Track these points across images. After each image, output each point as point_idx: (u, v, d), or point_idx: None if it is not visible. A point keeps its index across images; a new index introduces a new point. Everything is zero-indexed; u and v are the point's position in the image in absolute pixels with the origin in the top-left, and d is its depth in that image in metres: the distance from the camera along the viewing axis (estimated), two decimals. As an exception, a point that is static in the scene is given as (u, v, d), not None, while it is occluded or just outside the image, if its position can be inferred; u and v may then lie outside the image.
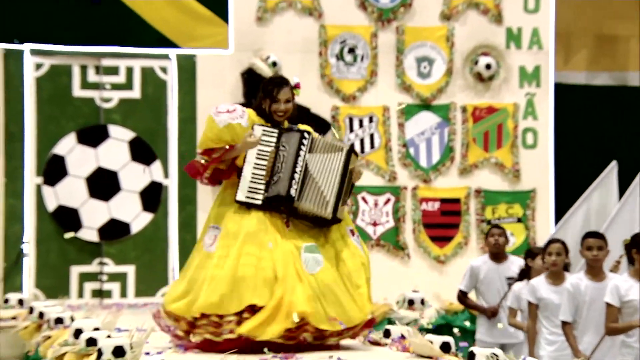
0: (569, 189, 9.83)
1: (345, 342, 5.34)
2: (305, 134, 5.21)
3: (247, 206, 5.14)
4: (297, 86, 5.38)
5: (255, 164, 5.18)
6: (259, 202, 5.14)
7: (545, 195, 10.30)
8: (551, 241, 6.73)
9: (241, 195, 5.14)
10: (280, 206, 5.14)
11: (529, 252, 7.38)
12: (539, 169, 10.30)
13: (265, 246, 5.06)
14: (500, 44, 10.29)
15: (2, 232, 9.36)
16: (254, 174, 5.15)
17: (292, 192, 5.10)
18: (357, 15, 10.10)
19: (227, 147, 5.17)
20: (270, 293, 4.99)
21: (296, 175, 5.12)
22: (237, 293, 5.00)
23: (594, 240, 6.29)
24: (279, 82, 5.32)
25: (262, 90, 5.32)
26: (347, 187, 5.19)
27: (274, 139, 5.20)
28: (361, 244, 5.35)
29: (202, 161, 5.24)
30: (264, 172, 5.17)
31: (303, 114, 9.90)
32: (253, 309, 5.00)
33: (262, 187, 5.15)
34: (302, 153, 5.16)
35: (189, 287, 5.15)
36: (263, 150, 5.18)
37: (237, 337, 4.98)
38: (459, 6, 10.21)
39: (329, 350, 5.07)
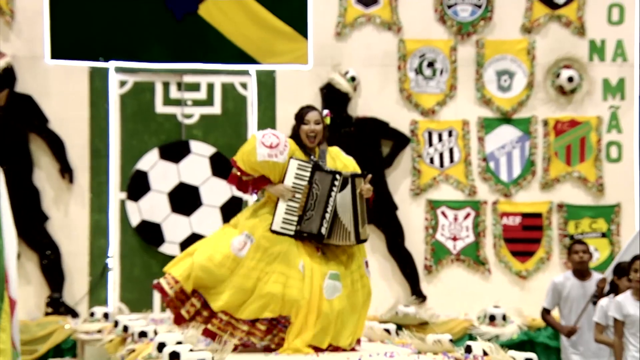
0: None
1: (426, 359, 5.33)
2: (337, 176, 5.66)
3: (281, 234, 5.66)
4: (327, 115, 5.86)
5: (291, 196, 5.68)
6: (292, 234, 5.66)
7: (630, 210, 10.09)
8: (636, 257, 6.59)
9: (276, 226, 5.66)
10: (310, 240, 5.68)
11: (618, 268, 7.19)
12: (623, 183, 10.10)
13: (295, 266, 5.60)
14: (582, 56, 10.13)
15: (87, 247, 9.55)
16: (289, 205, 5.65)
17: (323, 230, 5.64)
18: (436, 29, 10.06)
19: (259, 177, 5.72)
20: (294, 310, 5.54)
21: (327, 215, 5.64)
22: (259, 305, 5.55)
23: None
24: (308, 107, 5.91)
25: (295, 118, 5.85)
26: (361, 210, 5.66)
27: (308, 174, 5.68)
28: (369, 274, 5.86)
29: (238, 173, 5.78)
30: (297, 205, 5.65)
31: (381, 128, 9.94)
32: (270, 321, 5.57)
33: (295, 219, 5.65)
34: (333, 194, 5.65)
35: (207, 275, 5.61)
36: (297, 184, 5.68)
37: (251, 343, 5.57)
38: (540, 19, 10.10)
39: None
